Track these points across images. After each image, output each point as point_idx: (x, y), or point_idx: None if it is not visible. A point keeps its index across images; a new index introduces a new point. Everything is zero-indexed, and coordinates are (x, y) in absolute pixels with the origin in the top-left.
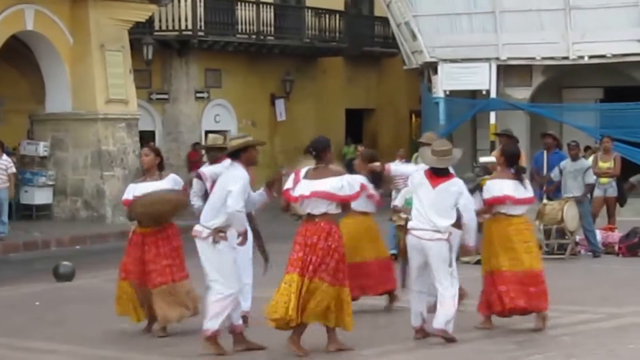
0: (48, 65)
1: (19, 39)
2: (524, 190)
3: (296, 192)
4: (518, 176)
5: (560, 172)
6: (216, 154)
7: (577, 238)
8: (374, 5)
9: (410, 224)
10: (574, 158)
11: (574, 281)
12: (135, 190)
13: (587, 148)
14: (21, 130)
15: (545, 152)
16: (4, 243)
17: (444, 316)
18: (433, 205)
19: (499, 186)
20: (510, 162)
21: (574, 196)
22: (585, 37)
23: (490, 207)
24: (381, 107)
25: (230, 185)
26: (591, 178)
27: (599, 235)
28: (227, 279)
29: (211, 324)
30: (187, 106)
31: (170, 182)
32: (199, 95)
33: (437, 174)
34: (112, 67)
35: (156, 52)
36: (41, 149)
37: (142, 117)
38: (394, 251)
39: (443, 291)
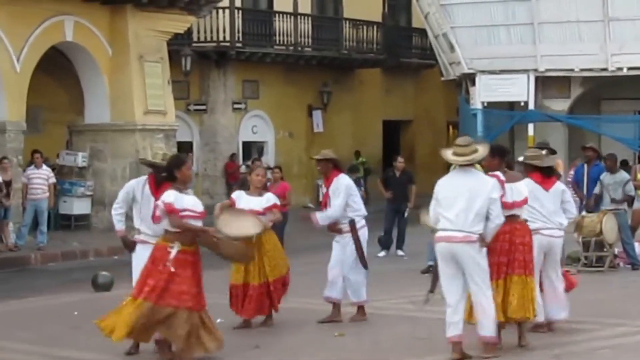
0: (87, 76)
1: (58, 49)
2: None
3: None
4: None
5: (600, 184)
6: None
7: (616, 250)
8: (411, 17)
9: (535, 225)
10: (612, 170)
11: (612, 294)
12: (182, 200)
13: (623, 162)
14: (60, 141)
15: (585, 164)
16: (43, 253)
17: (559, 307)
18: (553, 207)
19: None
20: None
21: (613, 200)
22: (623, 49)
23: None
24: (418, 119)
25: (495, 193)
26: (631, 190)
27: (637, 247)
28: (486, 281)
29: (491, 331)
30: (224, 117)
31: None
32: (236, 106)
33: (547, 177)
34: (150, 78)
35: (194, 63)
36: (80, 159)
37: (180, 128)
38: (432, 262)
39: (554, 283)
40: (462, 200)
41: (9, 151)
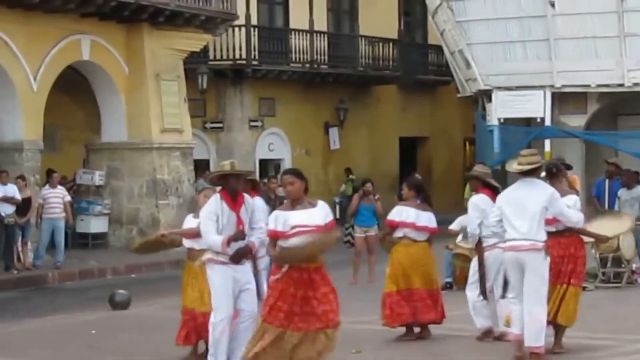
0: (104, 94)
1: (74, 69)
2: (426, 219)
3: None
4: (423, 206)
5: (618, 200)
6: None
7: (634, 266)
8: (427, 34)
9: (493, 241)
10: (628, 186)
11: (630, 310)
12: (289, 219)
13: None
14: (77, 160)
15: (607, 179)
16: (61, 271)
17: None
18: None
19: (404, 212)
20: (417, 193)
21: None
22: None
23: (392, 229)
24: (435, 135)
25: (557, 201)
26: None
27: None
28: (544, 291)
29: (540, 341)
30: (241, 135)
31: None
32: (253, 124)
33: (495, 193)
34: (167, 96)
35: (211, 81)
36: (97, 178)
37: (197, 145)
38: (449, 279)
39: None
40: (526, 209)
41: (26, 170)
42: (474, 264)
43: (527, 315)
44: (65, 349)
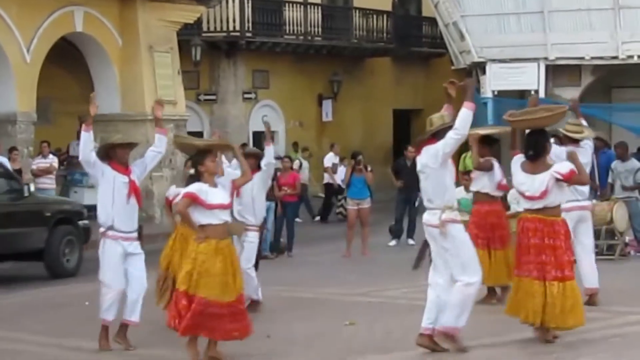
0: (97, 66)
1: (68, 40)
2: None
3: None
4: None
5: (612, 172)
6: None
7: (627, 239)
8: (421, 6)
9: None
10: (623, 158)
11: (623, 282)
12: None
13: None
14: (71, 131)
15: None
16: None
17: None
18: None
19: None
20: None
21: (625, 187)
22: (634, 37)
23: None
24: (429, 107)
25: None
26: None
27: None
28: None
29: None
30: (234, 107)
31: None
32: (246, 96)
33: None
34: (160, 68)
35: (204, 53)
36: None
37: (191, 118)
38: None
39: None
40: None
41: (20, 142)
42: None
43: None
44: (60, 321)
